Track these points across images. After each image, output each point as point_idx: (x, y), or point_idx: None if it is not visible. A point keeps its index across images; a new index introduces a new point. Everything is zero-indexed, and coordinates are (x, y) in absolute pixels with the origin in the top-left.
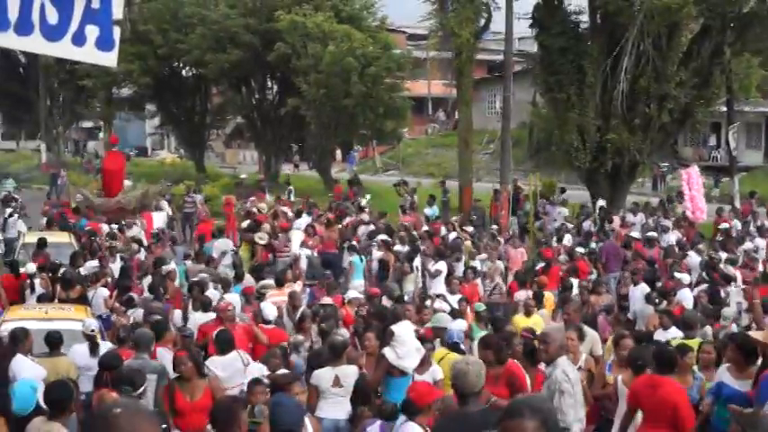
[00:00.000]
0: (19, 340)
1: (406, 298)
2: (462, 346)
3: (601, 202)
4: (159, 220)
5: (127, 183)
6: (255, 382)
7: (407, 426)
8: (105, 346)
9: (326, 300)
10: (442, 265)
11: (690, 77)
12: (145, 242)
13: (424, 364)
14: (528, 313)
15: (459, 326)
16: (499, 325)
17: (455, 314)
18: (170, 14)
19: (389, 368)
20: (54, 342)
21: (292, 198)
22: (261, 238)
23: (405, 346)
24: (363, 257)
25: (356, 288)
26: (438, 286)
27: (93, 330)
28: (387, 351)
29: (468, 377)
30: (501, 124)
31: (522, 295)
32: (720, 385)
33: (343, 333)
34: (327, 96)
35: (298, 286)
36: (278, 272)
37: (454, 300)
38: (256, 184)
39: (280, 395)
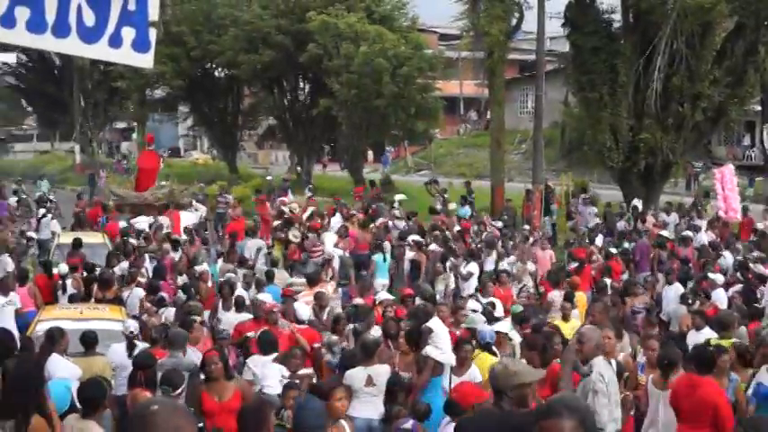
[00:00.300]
0: (55, 340)
1: (438, 298)
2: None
3: (636, 203)
4: (189, 219)
5: (164, 184)
6: (290, 386)
7: (451, 427)
8: (141, 347)
9: (358, 300)
10: (473, 267)
11: (723, 76)
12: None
13: (464, 365)
14: (565, 317)
15: (503, 327)
16: (537, 326)
17: (489, 316)
18: (203, 16)
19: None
20: (89, 342)
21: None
22: (295, 236)
23: (442, 341)
24: (387, 256)
25: (377, 287)
26: (470, 288)
27: (132, 332)
28: (430, 350)
29: (508, 378)
30: (533, 124)
31: (555, 295)
32: (759, 386)
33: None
34: (359, 97)
35: (330, 287)
36: (311, 272)
37: (486, 302)
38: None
39: (307, 398)
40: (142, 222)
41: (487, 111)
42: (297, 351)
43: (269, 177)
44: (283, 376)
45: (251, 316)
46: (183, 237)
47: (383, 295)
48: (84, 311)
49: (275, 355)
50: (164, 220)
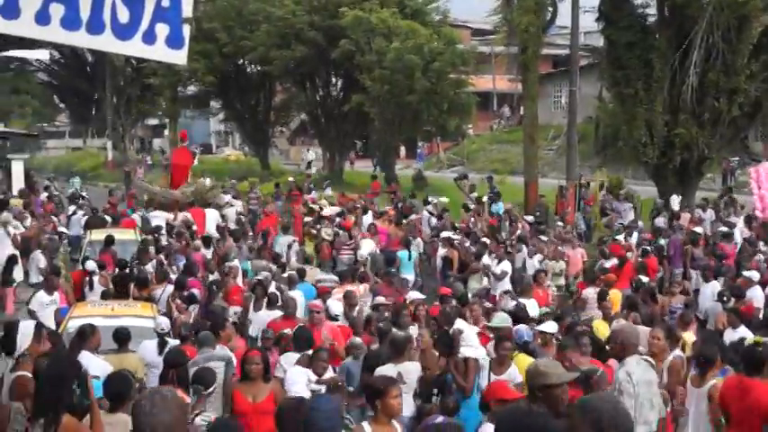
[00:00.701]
0: (86, 336)
1: (469, 296)
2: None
3: (674, 199)
4: (214, 217)
5: (201, 181)
6: (334, 388)
7: (487, 426)
8: (172, 344)
9: (380, 299)
10: (507, 266)
11: (760, 70)
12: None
13: (503, 363)
14: (605, 316)
15: (549, 327)
16: (571, 326)
17: (522, 314)
18: (235, 12)
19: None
20: (122, 338)
21: (329, 193)
22: (327, 234)
23: (472, 338)
24: (413, 253)
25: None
26: (504, 287)
27: (163, 329)
28: (467, 351)
29: (537, 378)
30: (567, 119)
31: (590, 293)
32: None
33: (413, 330)
34: (391, 92)
35: (362, 287)
36: (344, 270)
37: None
38: (313, 181)
39: (318, 398)
40: (158, 218)
41: (521, 106)
42: (323, 353)
43: (291, 179)
44: (310, 380)
45: (281, 313)
46: (215, 234)
47: (414, 294)
48: (115, 308)
49: (305, 353)
50: (182, 216)
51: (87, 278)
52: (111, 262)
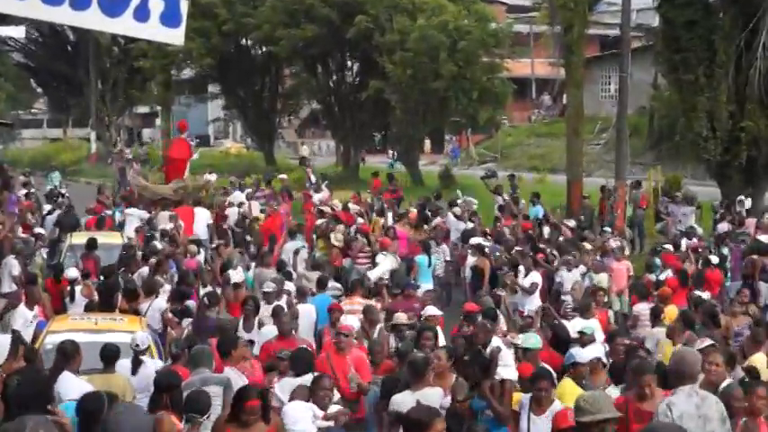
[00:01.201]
0: (69, 355)
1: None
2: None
3: (741, 200)
4: (204, 217)
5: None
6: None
7: None
8: (154, 364)
9: (401, 316)
10: (536, 277)
11: None
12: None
13: (542, 404)
14: (670, 336)
15: (597, 352)
16: (630, 349)
17: (561, 337)
18: None
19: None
20: (110, 357)
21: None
22: (337, 239)
23: (508, 357)
24: (433, 259)
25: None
26: (533, 303)
27: (138, 346)
28: (504, 372)
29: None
30: (616, 110)
31: (643, 309)
32: None
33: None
34: (415, 78)
35: (377, 303)
36: (354, 279)
37: (581, 323)
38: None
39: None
40: (132, 217)
41: (563, 94)
42: (325, 380)
43: (310, 170)
44: (315, 416)
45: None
46: (203, 236)
47: (431, 309)
48: (99, 323)
49: (307, 377)
50: (163, 216)
51: (69, 288)
52: (94, 269)
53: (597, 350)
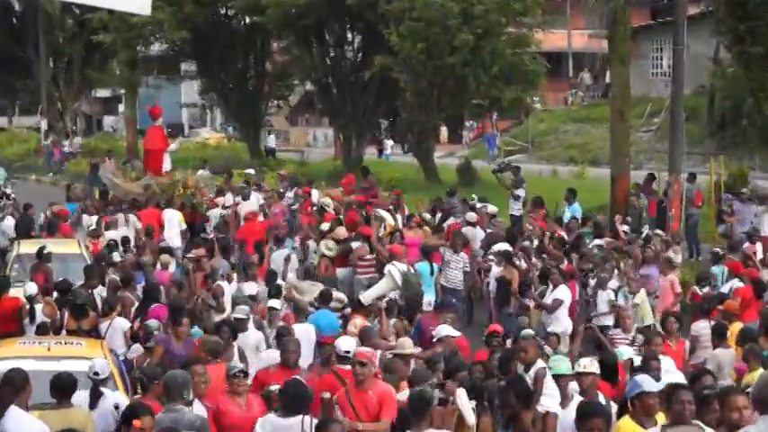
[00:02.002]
0: (18, 387)
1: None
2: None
3: None
4: (174, 220)
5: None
6: None
7: None
8: (114, 396)
9: (406, 343)
10: (563, 293)
11: None
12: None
13: None
14: (746, 359)
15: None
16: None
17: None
18: None
19: None
20: (66, 388)
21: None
22: (329, 248)
23: (552, 387)
24: (436, 267)
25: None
26: (561, 324)
27: (97, 374)
28: (548, 402)
29: None
30: (670, 89)
31: (702, 328)
32: None
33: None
34: (428, 52)
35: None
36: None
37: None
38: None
39: None
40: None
41: (606, 71)
42: (334, 428)
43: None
44: None
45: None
46: (175, 243)
47: (445, 330)
48: (52, 348)
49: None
50: (121, 218)
51: (27, 306)
52: (44, 283)
53: (674, 377)
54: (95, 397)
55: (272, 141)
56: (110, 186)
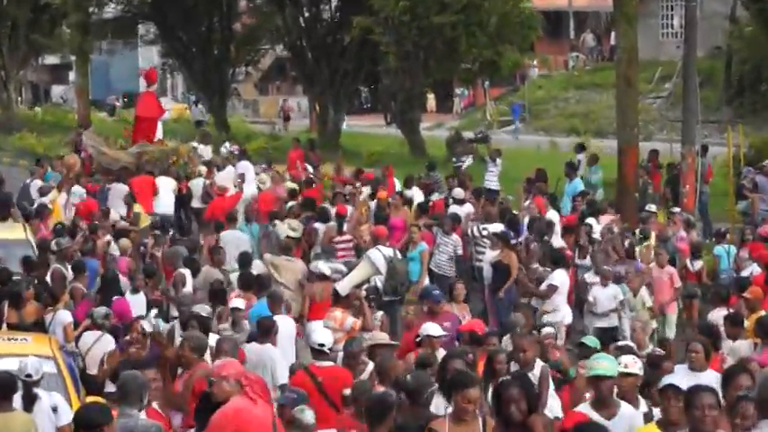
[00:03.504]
0: None
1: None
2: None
3: None
4: (169, 188)
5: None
6: None
7: None
8: (50, 398)
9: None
10: (560, 276)
11: None
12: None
13: None
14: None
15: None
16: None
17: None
18: None
19: None
20: (5, 388)
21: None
22: (292, 228)
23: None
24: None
25: None
26: (559, 315)
27: (29, 375)
28: (589, 410)
29: None
30: (682, 52)
31: (717, 317)
32: None
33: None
34: (412, 12)
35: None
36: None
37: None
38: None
39: None
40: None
41: (611, 32)
42: None
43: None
44: None
45: None
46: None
47: (429, 329)
48: None
49: None
50: (117, 191)
51: None
52: None
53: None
54: (29, 399)
55: (198, 112)
56: (95, 155)
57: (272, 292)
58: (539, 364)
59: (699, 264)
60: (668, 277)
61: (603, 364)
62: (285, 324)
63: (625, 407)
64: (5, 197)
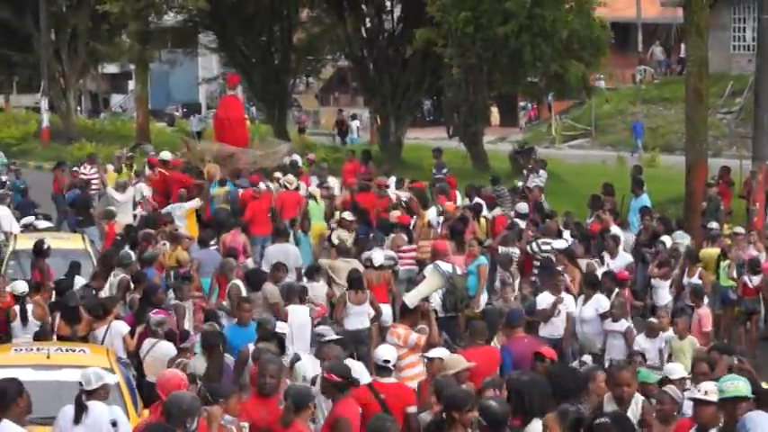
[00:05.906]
0: (8, 400)
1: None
2: None
3: None
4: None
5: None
6: None
7: None
8: (102, 409)
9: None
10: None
11: None
12: None
13: None
14: None
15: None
16: None
17: None
18: None
19: None
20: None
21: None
22: (341, 238)
23: None
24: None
25: None
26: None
27: (89, 383)
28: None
29: None
30: (754, 65)
31: None
32: None
33: None
34: (476, 23)
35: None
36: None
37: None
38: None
39: None
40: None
41: (681, 45)
42: None
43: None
44: None
45: None
46: None
47: (437, 351)
48: (52, 355)
49: None
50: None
51: (18, 307)
52: (42, 282)
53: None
54: (81, 410)
55: (196, 122)
56: (205, 155)
57: (290, 284)
58: (637, 398)
59: (757, 279)
60: (698, 319)
61: (739, 386)
62: (300, 312)
63: None
64: (86, 201)
